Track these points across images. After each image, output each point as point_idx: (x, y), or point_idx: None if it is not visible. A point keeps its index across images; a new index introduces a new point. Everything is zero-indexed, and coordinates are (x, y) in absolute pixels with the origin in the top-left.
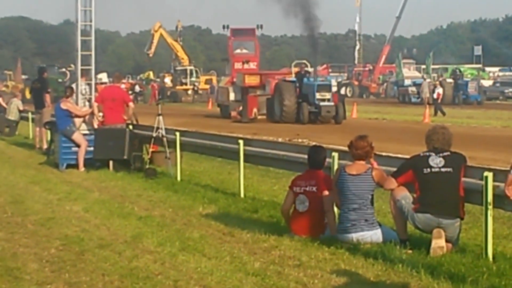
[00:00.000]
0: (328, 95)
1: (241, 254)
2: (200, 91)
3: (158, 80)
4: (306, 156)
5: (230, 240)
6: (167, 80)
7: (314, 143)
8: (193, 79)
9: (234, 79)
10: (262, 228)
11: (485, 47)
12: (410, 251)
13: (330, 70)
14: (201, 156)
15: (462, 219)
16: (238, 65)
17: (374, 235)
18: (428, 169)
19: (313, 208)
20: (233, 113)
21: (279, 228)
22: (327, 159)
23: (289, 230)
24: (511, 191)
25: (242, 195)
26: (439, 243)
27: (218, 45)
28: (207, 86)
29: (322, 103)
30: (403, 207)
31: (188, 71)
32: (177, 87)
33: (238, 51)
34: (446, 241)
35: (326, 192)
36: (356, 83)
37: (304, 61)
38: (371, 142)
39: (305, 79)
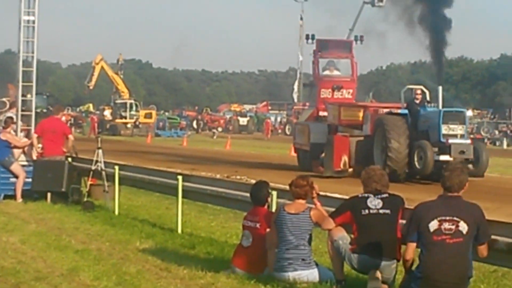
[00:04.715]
0: (461, 129)
1: None
2: (140, 125)
3: (97, 112)
4: (244, 194)
5: (166, 276)
6: (107, 113)
7: (253, 180)
8: (133, 112)
9: (320, 113)
10: (199, 265)
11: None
12: None
13: (269, 107)
14: (139, 190)
15: (398, 260)
16: (325, 93)
17: (311, 274)
18: (367, 211)
19: (256, 244)
20: (315, 163)
21: (216, 264)
22: None
23: (231, 263)
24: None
25: (179, 231)
26: (375, 285)
27: (158, 79)
28: (147, 120)
29: (451, 140)
30: (340, 247)
31: (128, 105)
32: (117, 120)
33: (327, 72)
34: (382, 282)
35: (268, 230)
36: (295, 121)
37: (421, 87)
38: (312, 182)
39: (421, 109)
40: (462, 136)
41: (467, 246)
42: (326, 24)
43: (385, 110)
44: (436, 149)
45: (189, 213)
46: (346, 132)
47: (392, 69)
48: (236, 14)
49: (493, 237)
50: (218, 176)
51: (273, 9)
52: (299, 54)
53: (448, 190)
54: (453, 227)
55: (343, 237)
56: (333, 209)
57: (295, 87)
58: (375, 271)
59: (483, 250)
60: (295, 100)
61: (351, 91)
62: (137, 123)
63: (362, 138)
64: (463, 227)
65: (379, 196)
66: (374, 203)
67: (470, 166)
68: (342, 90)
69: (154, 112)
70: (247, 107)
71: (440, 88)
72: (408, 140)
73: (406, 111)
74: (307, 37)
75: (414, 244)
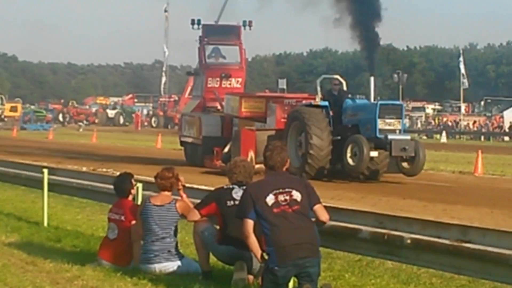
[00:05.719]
0: (397, 124)
1: (44, 283)
2: (5, 118)
3: None
4: (110, 186)
5: (32, 270)
6: None
7: (119, 173)
8: None
9: (208, 104)
10: (65, 258)
11: (289, 80)
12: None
13: (135, 100)
14: (5, 184)
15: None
16: (213, 82)
17: (177, 266)
18: (232, 202)
19: (122, 237)
20: (208, 158)
21: (82, 257)
22: None
23: (97, 256)
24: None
25: (45, 224)
26: (240, 275)
27: (24, 72)
28: (13, 113)
29: (391, 136)
30: (206, 238)
31: None
32: None
33: (212, 60)
34: (248, 273)
35: (133, 222)
36: (161, 113)
37: (337, 76)
38: (177, 174)
39: (348, 101)
40: (400, 131)
41: (305, 211)
42: (192, 15)
43: (291, 101)
44: (372, 145)
45: (55, 206)
46: (245, 125)
47: (257, 61)
48: (100, 5)
49: (356, 226)
50: (84, 169)
51: (137, 0)
52: (164, 46)
53: (272, 169)
54: (288, 197)
55: (208, 229)
56: (199, 201)
57: (163, 79)
58: (241, 262)
59: (320, 212)
60: (162, 92)
61: (240, 79)
62: (2, 116)
63: (273, 133)
64: (297, 195)
65: (244, 187)
66: (239, 194)
67: (405, 164)
68: (230, 79)
69: (19, 106)
70: (113, 99)
71: (372, 78)
72: (330, 136)
73: (326, 103)
74: (192, 22)
75: (252, 222)
